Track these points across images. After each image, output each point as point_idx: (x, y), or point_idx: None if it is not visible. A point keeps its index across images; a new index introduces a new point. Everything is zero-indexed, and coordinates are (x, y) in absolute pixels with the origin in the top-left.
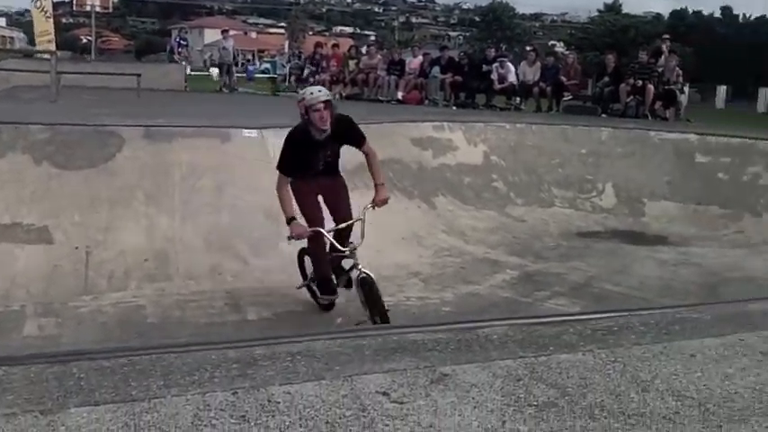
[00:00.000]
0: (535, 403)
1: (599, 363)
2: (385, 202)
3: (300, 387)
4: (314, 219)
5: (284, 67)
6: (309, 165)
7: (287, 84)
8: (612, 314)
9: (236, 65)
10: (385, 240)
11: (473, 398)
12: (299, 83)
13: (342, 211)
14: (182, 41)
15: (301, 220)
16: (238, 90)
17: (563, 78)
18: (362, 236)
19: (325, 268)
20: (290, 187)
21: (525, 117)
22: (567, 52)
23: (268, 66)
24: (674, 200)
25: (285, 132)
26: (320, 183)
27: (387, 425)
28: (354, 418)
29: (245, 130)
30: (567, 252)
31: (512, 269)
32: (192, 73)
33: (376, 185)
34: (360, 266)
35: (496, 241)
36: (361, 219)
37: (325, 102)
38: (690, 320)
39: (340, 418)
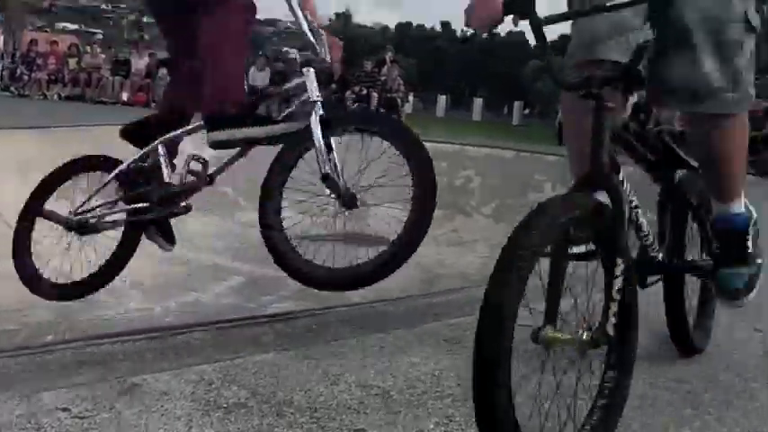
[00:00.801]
0: (224, 405)
1: (293, 361)
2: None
3: None
4: None
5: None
6: None
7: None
8: (317, 311)
9: None
10: None
11: (162, 406)
12: (13, 81)
13: None
14: None
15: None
16: None
17: None
18: None
19: None
20: None
21: None
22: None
23: None
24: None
25: None
26: None
27: None
28: None
29: None
30: None
31: (238, 275)
32: None
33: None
34: None
35: (223, 247)
36: None
37: None
38: (384, 314)
39: None
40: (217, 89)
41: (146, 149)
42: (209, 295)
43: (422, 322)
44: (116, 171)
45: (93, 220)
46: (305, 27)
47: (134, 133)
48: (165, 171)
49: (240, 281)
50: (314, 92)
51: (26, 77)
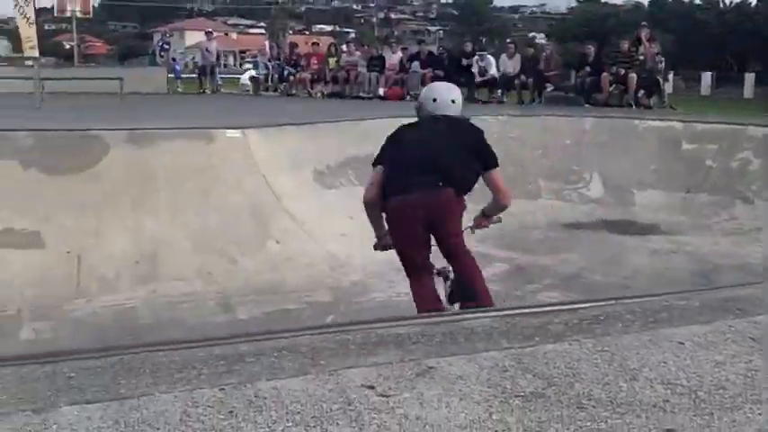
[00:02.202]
0: (522, 394)
1: (586, 352)
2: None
3: (287, 382)
4: None
5: (266, 66)
6: None
7: (270, 83)
8: (599, 303)
9: (220, 66)
10: (372, 237)
11: (459, 390)
12: (280, 82)
13: None
14: (165, 45)
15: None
16: (221, 91)
17: (543, 70)
18: None
19: None
20: None
21: (507, 109)
22: (547, 43)
23: (249, 66)
24: (661, 188)
25: (268, 132)
26: None
27: (373, 418)
28: (341, 411)
29: (229, 131)
30: (555, 244)
31: (501, 262)
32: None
33: None
34: None
35: (484, 234)
36: None
37: None
38: (677, 308)
39: (327, 412)
40: None
41: None
42: None
43: (722, 318)
44: None
45: None
46: None
47: None
48: None
49: (504, 268)
50: None
51: (292, 78)
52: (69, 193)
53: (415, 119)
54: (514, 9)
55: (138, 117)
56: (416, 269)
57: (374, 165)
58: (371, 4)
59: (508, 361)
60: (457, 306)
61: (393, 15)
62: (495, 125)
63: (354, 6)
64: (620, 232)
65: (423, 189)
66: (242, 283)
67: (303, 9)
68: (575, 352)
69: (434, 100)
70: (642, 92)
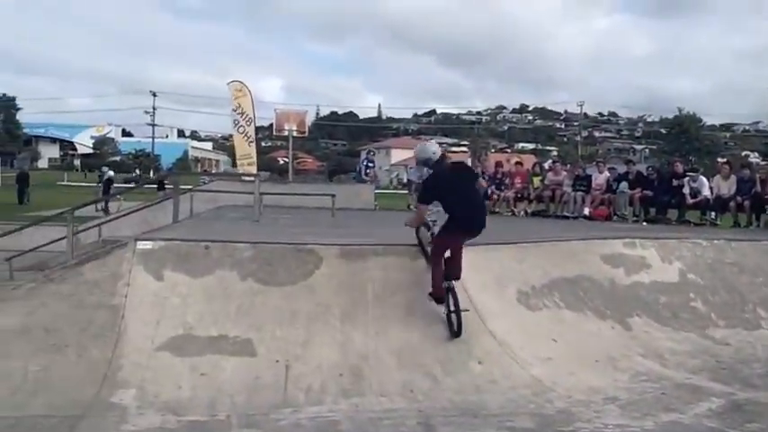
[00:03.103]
0: None
1: None
2: None
3: None
4: None
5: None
6: None
7: None
8: None
9: None
10: (578, 362)
11: None
12: (486, 200)
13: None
14: (369, 163)
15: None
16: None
17: (762, 192)
18: None
19: None
20: None
21: (722, 233)
22: (763, 163)
23: None
24: None
25: (473, 250)
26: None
27: None
28: None
29: None
30: None
31: (717, 397)
32: (378, 191)
33: None
34: None
35: (698, 366)
36: None
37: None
38: None
39: None
40: None
41: None
42: (688, 416)
43: None
44: None
45: None
46: None
47: None
48: None
49: (720, 403)
50: None
51: (495, 196)
52: (281, 304)
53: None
54: (726, 127)
55: (349, 233)
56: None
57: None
58: (575, 123)
59: None
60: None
61: (597, 134)
62: (710, 249)
63: (557, 125)
64: None
65: None
66: (444, 404)
67: (506, 128)
68: None
69: (434, 153)
70: None
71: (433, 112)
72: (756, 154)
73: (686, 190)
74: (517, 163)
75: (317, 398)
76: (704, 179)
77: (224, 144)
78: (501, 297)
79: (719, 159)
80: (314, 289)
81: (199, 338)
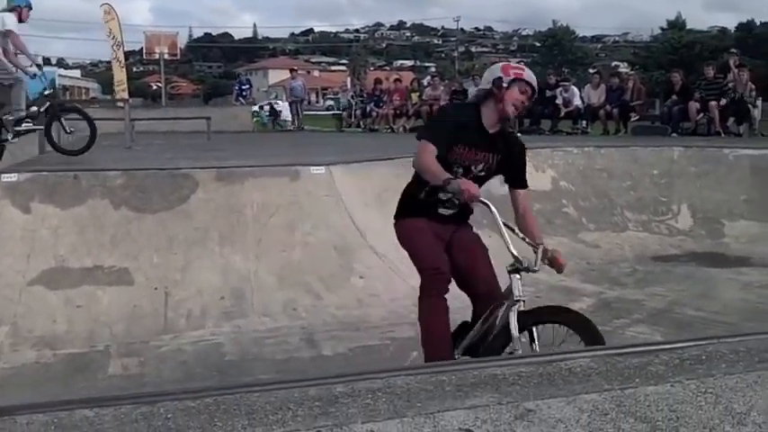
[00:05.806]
0: None
1: (689, 394)
2: (564, 265)
3: (383, 425)
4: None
5: (350, 103)
6: (464, 153)
7: (353, 119)
8: (700, 342)
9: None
10: None
11: None
12: (363, 118)
13: (484, 272)
14: (243, 86)
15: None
16: (305, 128)
17: (629, 99)
18: None
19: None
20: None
21: (593, 140)
22: (631, 72)
23: (332, 103)
24: (754, 219)
25: (352, 168)
26: (448, 228)
27: None
28: None
29: (313, 168)
30: (644, 277)
31: (588, 297)
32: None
33: (538, 245)
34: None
35: (570, 268)
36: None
37: (532, 89)
38: None
39: None
40: None
41: None
42: None
43: None
44: None
45: None
46: (512, 249)
47: None
48: None
49: (591, 302)
50: (516, 293)
51: (374, 114)
52: (158, 231)
53: None
54: (597, 38)
55: (225, 155)
56: None
57: None
58: (452, 39)
59: (608, 404)
60: None
61: (474, 49)
62: (581, 157)
63: (435, 41)
64: (711, 265)
65: None
66: (327, 319)
67: (384, 45)
68: (677, 394)
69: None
70: (731, 120)
71: (311, 30)
72: (625, 64)
73: (559, 101)
74: (396, 80)
75: (199, 322)
76: (575, 89)
77: (93, 71)
78: (381, 213)
79: (590, 70)
80: (191, 214)
81: (73, 270)
